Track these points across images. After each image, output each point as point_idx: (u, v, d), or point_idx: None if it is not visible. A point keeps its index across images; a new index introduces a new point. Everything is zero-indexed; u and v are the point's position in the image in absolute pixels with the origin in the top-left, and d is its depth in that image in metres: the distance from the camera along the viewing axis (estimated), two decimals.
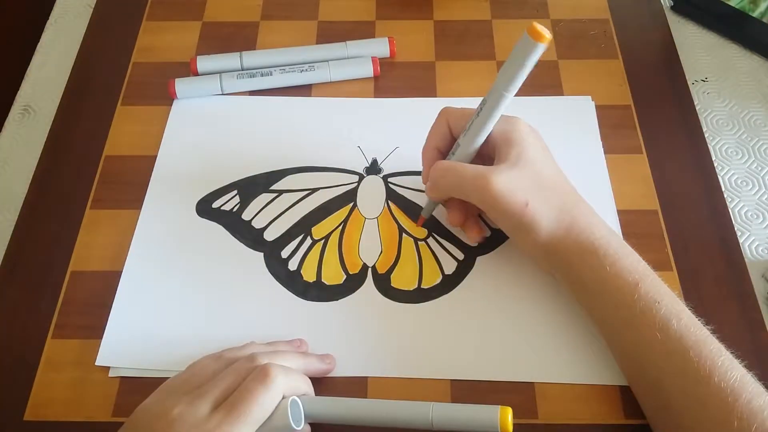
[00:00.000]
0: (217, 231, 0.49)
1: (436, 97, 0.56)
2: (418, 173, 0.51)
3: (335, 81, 0.57)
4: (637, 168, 0.52)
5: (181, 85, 0.55)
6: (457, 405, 0.39)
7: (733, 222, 0.49)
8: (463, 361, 0.43)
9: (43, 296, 0.46)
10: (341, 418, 0.39)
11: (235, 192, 0.51)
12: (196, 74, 0.57)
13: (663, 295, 0.39)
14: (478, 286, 0.46)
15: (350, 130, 0.54)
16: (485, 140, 0.44)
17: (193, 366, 0.40)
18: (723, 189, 0.51)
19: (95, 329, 0.45)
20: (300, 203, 0.50)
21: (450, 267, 0.47)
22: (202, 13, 0.62)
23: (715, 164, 0.52)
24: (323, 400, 0.40)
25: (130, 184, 0.51)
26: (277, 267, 0.47)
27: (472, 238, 0.47)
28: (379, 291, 0.46)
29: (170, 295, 0.46)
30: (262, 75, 0.56)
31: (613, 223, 0.49)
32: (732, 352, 0.38)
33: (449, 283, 0.46)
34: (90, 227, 0.49)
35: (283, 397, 0.37)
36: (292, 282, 0.47)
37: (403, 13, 0.62)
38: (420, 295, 0.46)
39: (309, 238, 0.49)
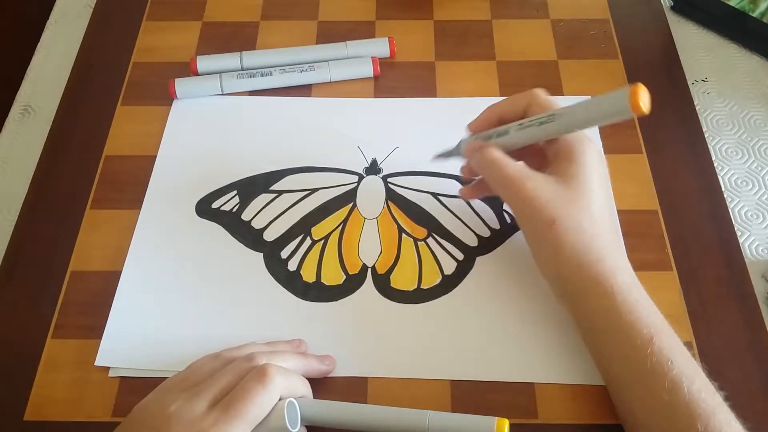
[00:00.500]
0: (216, 231, 0.49)
1: (436, 97, 0.56)
2: (417, 173, 0.51)
3: (335, 81, 0.57)
4: (637, 168, 0.52)
5: (181, 85, 0.55)
6: (454, 414, 0.39)
7: (733, 222, 0.49)
8: (463, 361, 0.43)
9: (43, 296, 0.46)
10: (338, 422, 0.39)
11: (235, 192, 0.51)
12: (196, 74, 0.57)
13: (677, 354, 0.37)
14: (477, 287, 0.46)
15: (350, 130, 0.54)
16: (551, 140, 0.43)
17: (192, 365, 0.40)
18: (723, 189, 0.51)
19: (95, 329, 0.45)
20: (300, 203, 0.50)
21: (450, 267, 0.47)
22: (202, 13, 0.62)
23: (715, 164, 0.52)
24: (320, 403, 0.40)
25: (130, 184, 0.51)
26: (277, 267, 0.47)
27: (466, 193, 0.48)
28: (379, 291, 0.46)
29: (170, 295, 0.46)
30: (262, 75, 0.56)
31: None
32: (740, 416, 0.37)
33: (449, 283, 0.46)
34: (90, 227, 0.49)
35: (280, 399, 0.37)
36: (292, 282, 0.47)
37: (403, 13, 0.62)
38: (419, 296, 0.46)
39: (309, 238, 0.49)
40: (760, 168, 0.53)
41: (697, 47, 0.60)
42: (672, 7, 0.63)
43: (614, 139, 0.53)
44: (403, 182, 0.51)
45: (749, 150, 0.54)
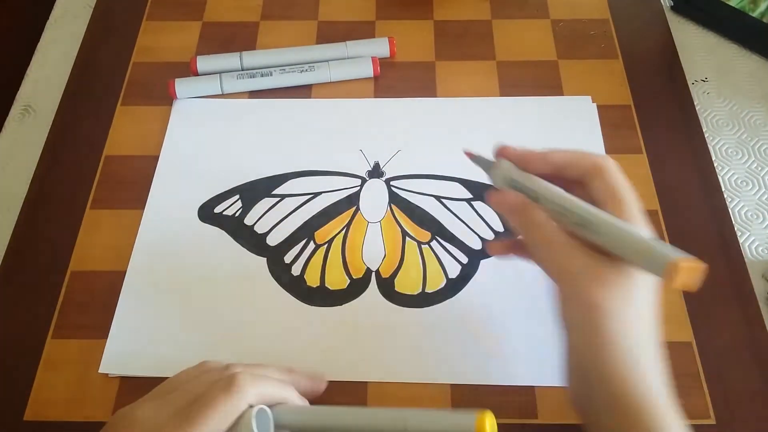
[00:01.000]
0: (219, 236, 0.49)
1: (436, 97, 0.56)
2: (420, 176, 0.51)
3: (335, 81, 0.57)
4: (637, 168, 0.52)
5: (181, 85, 0.55)
6: (433, 412, 0.36)
7: (733, 222, 0.49)
8: (466, 365, 0.43)
9: (43, 296, 0.46)
10: (319, 427, 0.37)
11: (237, 197, 0.51)
12: (196, 74, 0.57)
13: None
14: (482, 291, 0.46)
15: (351, 133, 0.54)
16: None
17: (177, 374, 0.39)
18: (723, 189, 0.51)
19: (95, 329, 0.45)
20: (302, 208, 0.50)
21: (454, 271, 0.47)
22: (202, 13, 0.62)
23: (715, 164, 0.52)
24: (297, 408, 0.38)
25: (131, 184, 0.51)
26: (280, 272, 0.47)
27: (494, 249, 0.43)
28: (383, 295, 0.46)
29: (173, 301, 0.46)
30: (262, 75, 0.56)
31: None
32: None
33: (453, 287, 0.46)
34: (90, 227, 0.49)
35: (251, 407, 0.35)
36: (296, 287, 0.46)
37: (403, 13, 0.62)
38: (424, 300, 0.46)
39: (312, 242, 0.48)
40: (760, 168, 0.53)
41: (697, 47, 0.60)
42: (672, 7, 0.63)
43: (614, 139, 0.53)
44: (406, 185, 0.51)
45: (749, 150, 0.54)
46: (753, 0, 0.58)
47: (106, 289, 0.46)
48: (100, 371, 0.43)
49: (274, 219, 0.50)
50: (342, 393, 0.42)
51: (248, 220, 0.50)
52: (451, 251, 0.48)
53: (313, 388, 0.41)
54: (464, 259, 0.47)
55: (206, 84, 0.56)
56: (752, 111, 0.56)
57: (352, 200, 0.50)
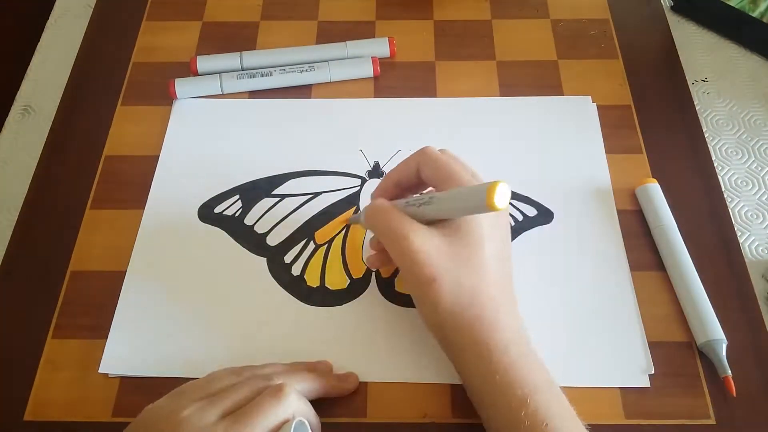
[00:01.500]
0: (219, 236, 0.49)
1: (436, 97, 0.56)
2: None
3: (335, 81, 0.57)
4: (637, 168, 0.52)
5: (181, 85, 0.55)
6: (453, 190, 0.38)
7: (733, 222, 0.49)
8: None
9: (43, 296, 0.46)
10: None
11: (237, 197, 0.51)
12: (196, 74, 0.57)
13: (554, 415, 0.36)
14: None
15: (351, 133, 0.54)
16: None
17: (210, 375, 0.39)
18: (723, 189, 0.51)
19: (95, 329, 0.45)
20: (302, 208, 0.50)
21: None
22: (202, 13, 0.62)
23: (715, 164, 0.52)
24: None
25: (130, 184, 0.51)
26: (280, 272, 0.47)
27: (371, 262, 0.45)
28: (383, 295, 0.46)
29: (173, 301, 0.46)
30: (262, 75, 0.56)
31: (613, 223, 0.49)
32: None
33: None
34: (90, 227, 0.49)
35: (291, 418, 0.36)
36: (296, 287, 0.46)
37: (403, 13, 0.62)
38: None
39: (312, 242, 0.48)
40: (760, 168, 0.53)
41: (697, 47, 0.60)
42: (672, 7, 0.63)
43: (614, 139, 0.53)
44: None
45: (749, 150, 0.54)
46: (753, 0, 0.58)
47: (106, 289, 0.46)
48: (100, 371, 0.43)
49: (274, 219, 0.50)
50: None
51: (248, 220, 0.50)
52: None
53: (344, 389, 0.42)
54: None
55: (206, 84, 0.56)
56: (752, 111, 0.56)
57: (353, 200, 0.50)
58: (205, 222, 0.49)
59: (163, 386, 0.42)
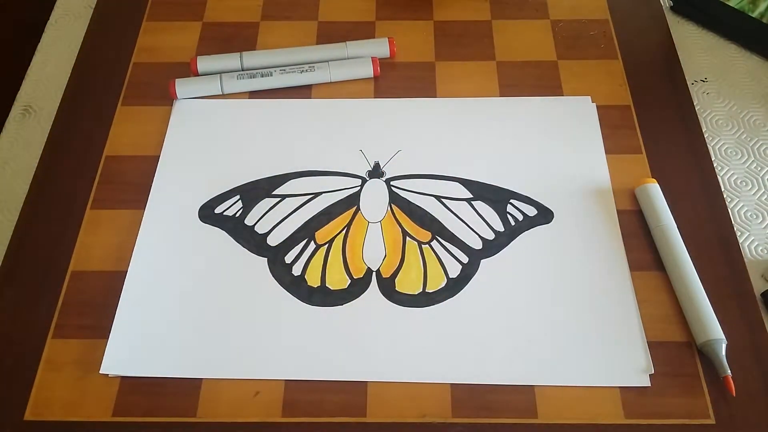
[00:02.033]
0: (220, 237, 0.49)
1: (436, 97, 0.56)
2: (420, 176, 0.51)
3: (335, 81, 0.57)
4: (637, 168, 0.52)
5: (182, 86, 0.55)
6: None
7: (733, 222, 0.49)
8: (466, 365, 0.43)
9: (43, 296, 0.46)
10: None
11: (238, 197, 0.51)
12: (196, 74, 0.57)
13: None
14: (482, 290, 0.46)
15: (351, 133, 0.54)
16: None
17: None
18: (723, 189, 0.51)
19: (95, 329, 0.45)
20: (303, 208, 0.50)
21: (454, 271, 0.47)
22: (202, 13, 0.62)
23: (715, 164, 0.52)
24: None
25: (130, 184, 0.51)
26: (281, 272, 0.47)
27: None
28: (384, 295, 0.46)
29: (174, 302, 0.46)
30: (262, 75, 0.56)
31: (613, 223, 0.49)
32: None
33: (454, 286, 0.46)
34: (90, 227, 0.49)
35: None
36: (297, 287, 0.47)
37: (403, 13, 0.62)
38: (425, 299, 0.46)
39: (312, 242, 0.49)
40: (760, 168, 0.53)
41: (697, 47, 0.60)
42: (672, 7, 0.63)
43: (614, 139, 0.53)
44: (406, 185, 0.51)
45: (749, 150, 0.54)
46: (753, 0, 0.58)
47: (106, 289, 0.46)
48: (100, 372, 0.43)
49: (274, 219, 0.50)
50: (342, 393, 0.42)
51: (249, 221, 0.50)
52: (452, 251, 0.48)
53: None
54: (465, 259, 0.47)
55: (206, 84, 0.56)
56: (752, 111, 0.56)
57: (353, 200, 0.50)
58: (205, 222, 0.49)
59: (163, 386, 0.43)
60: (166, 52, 0.59)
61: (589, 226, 0.49)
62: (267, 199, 0.51)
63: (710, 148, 0.53)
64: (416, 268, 0.47)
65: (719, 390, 0.42)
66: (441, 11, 0.62)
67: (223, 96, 0.56)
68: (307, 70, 0.56)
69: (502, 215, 0.49)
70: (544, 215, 0.49)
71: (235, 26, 0.61)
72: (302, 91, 0.57)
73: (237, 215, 0.50)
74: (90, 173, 0.52)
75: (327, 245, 0.48)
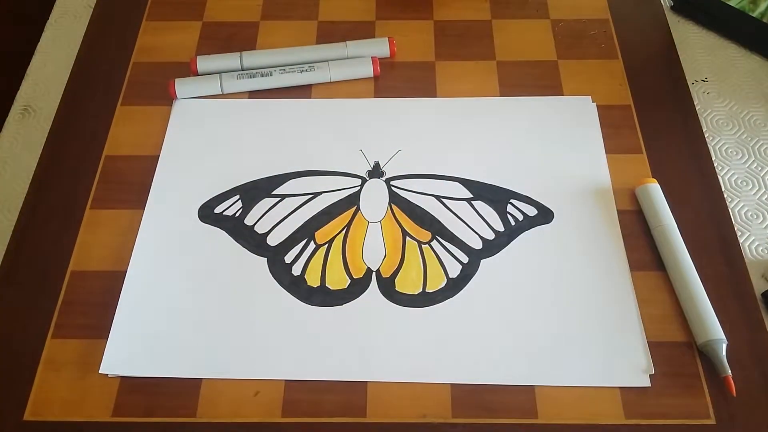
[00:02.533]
0: (220, 236, 0.49)
1: (436, 97, 0.56)
2: (420, 176, 0.51)
3: (335, 81, 0.57)
4: (637, 168, 0.52)
5: (181, 85, 0.55)
6: None
7: (733, 222, 0.49)
8: (467, 364, 0.43)
9: (43, 296, 0.46)
10: None
11: (238, 197, 0.51)
12: (196, 74, 0.57)
13: None
14: (482, 290, 0.46)
15: (351, 133, 0.54)
16: None
17: None
18: (723, 189, 0.51)
19: (95, 329, 0.45)
20: (302, 207, 0.50)
21: (454, 270, 0.47)
22: (202, 13, 0.62)
23: (715, 164, 0.52)
24: None
25: (130, 184, 0.51)
26: (281, 272, 0.47)
27: None
28: (384, 295, 0.46)
29: (173, 301, 0.46)
30: (262, 75, 0.56)
31: (613, 223, 0.49)
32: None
33: (454, 286, 0.46)
34: (90, 227, 0.49)
35: None
36: (296, 287, 0.46)
37: (403, 13, 0.62)
38: (425, 299, 0.46)
39: (312, 242, 0.49)
40: (760, 168, 0.53)
41: (697, 47, 0.60)
42: (672, 7, 0.63)
43: (614, 139, 0.53)
44: (406, 185, 0.51)
45: (749, 150, 0.54)
46: (753, 0, 0.58)
47: (105, 289, 0.46)
48: (100, 372, 0.43)
49: (274, 219, 0.50)
50: (342, 392, 0.42)
51: (248, 220, 0.50)
52: (452, 251, 0.48)
53: None
54: (465, 259, 0.47)
55: (206, 84, 0.56)
56: (752, 111, 0.56)
57: (353, 200, 0.50)
58: (205, 222, 0.49)
59: (163, 386, 0.43)
60: (166, 52, 0.59)
61: (589, 226, 0.49)
62: (267, 198, 0.51)
63: (711, 147, 0.53)
64: (416, 268, 0.47)
65: (719, 390, 0.42)
66: (441, 11, 0.62)
67: (223, 96, 0.56)
68: (307, 70, 0.56)
69: (502, 215, 0.49)
70: (544, 215, 0.49)
71: (235, 26, 0.61)
72: (302, 91, 0.56)
73: (237, 215, 0.50)
74: (90, 173, 0.52)
75: (327, 245, 0.48)
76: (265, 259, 0.48)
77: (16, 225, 0.50)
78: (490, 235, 0.48)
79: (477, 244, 0.48)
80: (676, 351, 0.44)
